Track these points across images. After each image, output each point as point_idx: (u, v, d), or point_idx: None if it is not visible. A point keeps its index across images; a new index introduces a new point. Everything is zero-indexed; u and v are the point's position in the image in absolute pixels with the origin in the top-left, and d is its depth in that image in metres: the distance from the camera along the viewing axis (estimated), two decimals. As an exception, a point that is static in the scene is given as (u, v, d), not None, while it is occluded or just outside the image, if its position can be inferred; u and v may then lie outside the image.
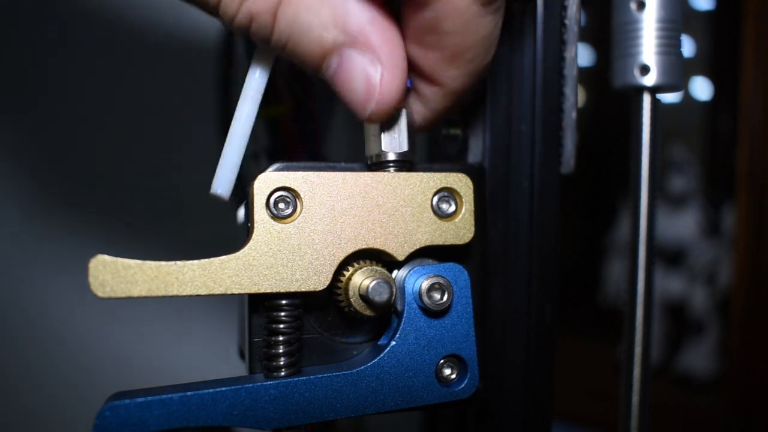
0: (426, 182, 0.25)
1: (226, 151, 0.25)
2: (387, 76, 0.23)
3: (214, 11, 0.23)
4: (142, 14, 0.68)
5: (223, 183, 0.25)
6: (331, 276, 0.24)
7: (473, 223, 0.26)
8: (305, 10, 0.22)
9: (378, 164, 0.26)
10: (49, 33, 0.63)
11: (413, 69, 0.25)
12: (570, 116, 0.29)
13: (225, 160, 0.25)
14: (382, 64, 0.23)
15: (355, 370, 0.24)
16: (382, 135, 0.25)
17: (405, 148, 0.25)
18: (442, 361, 0.25)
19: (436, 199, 0.26)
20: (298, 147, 0.37)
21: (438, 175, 0.25)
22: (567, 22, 0.29)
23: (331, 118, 0.39)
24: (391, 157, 0.25)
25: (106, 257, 0.22)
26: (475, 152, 0.29)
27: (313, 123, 0.37)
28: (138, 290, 0.22)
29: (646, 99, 0.28)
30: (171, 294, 0.22)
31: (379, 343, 0.26)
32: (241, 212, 0.32)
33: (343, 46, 0.23)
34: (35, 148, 0.64)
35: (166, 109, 0.70)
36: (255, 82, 0.25)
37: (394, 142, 0.25)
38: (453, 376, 0.26)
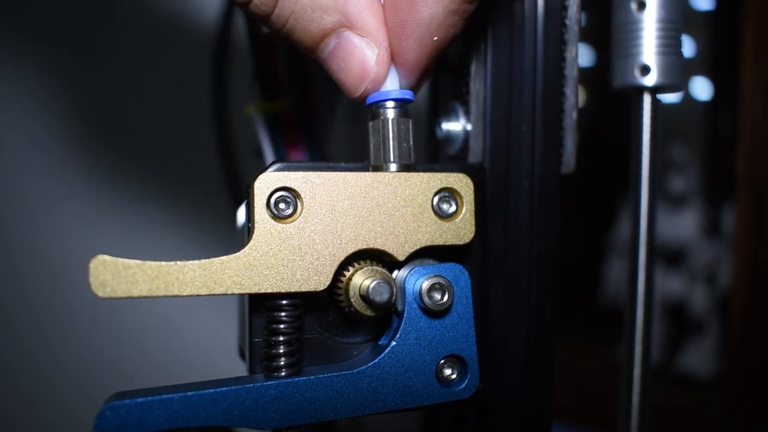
0: (426, 182, 0.25)
1: None
2: (381, 58, 0.25)
3: None
4: (136, 8, 0.67)
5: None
6: (331, 276, 0.24)
7: (473, 223, 0.26)
8: None
9: (378, 165, 0.26)
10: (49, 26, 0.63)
11: None
12: (570, 116, 0.29)
13: None
14: (379, 47, 0.25)
15: (355, 371, 0.24)
16: (391, 145, 0.25)
17: (411, 160, 0.26)
18: (442, 361, 0.25)
19: (436, 199, 0.26)
20: (298, 144, 0.37)
21: (438, 175, 0.25)
22: (567, 22, 0.29)
23: (332, 116, 0.39)
24: (394, 168, 0.25)
25: (107, 257, 0.22)
26: (475, 152, 0.29)
27: (314, 121, 0.37)
28: (138, 290, 0.22)
29: (647, 99, 0.28)
30: (171, 294, 0.22)
31: (379, 343, 0.26)
32: (240, 213, 0.32)
33: (341, 28, 0.24)
34: (35, 145, 0.64)
35: (165, 107, 0.70)
36: None
37: (403, 152, 0.25)
38: (453, 377, 0.26)
